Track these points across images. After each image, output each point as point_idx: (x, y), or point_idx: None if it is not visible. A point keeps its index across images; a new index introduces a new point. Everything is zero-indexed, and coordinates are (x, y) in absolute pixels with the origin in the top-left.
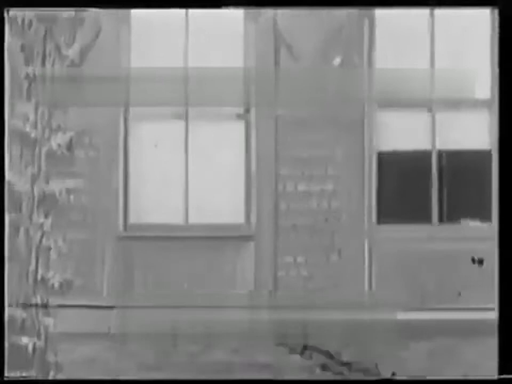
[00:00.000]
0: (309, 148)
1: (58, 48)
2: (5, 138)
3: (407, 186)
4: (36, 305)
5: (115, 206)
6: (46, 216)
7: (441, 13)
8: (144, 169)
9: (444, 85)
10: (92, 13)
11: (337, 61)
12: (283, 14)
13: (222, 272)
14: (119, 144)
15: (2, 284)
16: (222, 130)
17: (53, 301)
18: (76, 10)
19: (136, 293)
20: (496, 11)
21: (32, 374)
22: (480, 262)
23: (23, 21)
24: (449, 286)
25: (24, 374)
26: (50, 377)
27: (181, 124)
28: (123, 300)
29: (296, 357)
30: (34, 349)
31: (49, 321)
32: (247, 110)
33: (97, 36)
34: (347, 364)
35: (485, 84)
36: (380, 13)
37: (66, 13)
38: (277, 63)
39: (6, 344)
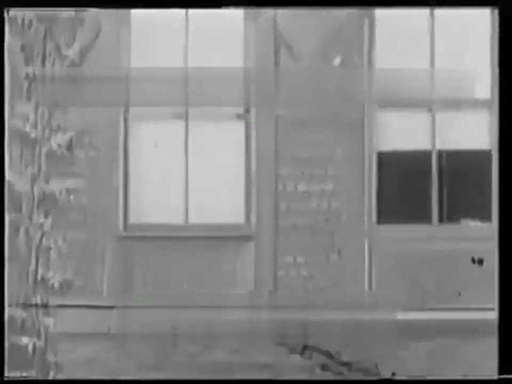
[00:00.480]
0: (309, 148)
1: (58, 48)
2: (5, 138)
3: (407, 186)
4: (36, 305)
5: (115, 206)
6: (46, 216)
7: (441, 13)
8: (144, 169)
9: (444, 85)
10: (92, 13)
11: (337, 61)
12: (283, 14)
13: (222, 272)
14: (119, 144)
15: (2, 284)
16: (222, 130)
17: (53, 301)
18: (76, 10)
19: (136, 293)
20: (496, 11)
21: (32, 374)
22: (480, 262)
23: (23, 21)
24: (449, 286)
25: (24, 374)
26: (50, 377)
27: (181, 124)
28: (123, 299)
29: (296, 357)
30: (34, 349)
31: (49, 321)
32: (247, 110)
33: (97, 36)
34: (347, 364)
35: (485, 84)
36: (380, 13)
37: (66, 13)
38: (277, 63)
39: (6, 344)
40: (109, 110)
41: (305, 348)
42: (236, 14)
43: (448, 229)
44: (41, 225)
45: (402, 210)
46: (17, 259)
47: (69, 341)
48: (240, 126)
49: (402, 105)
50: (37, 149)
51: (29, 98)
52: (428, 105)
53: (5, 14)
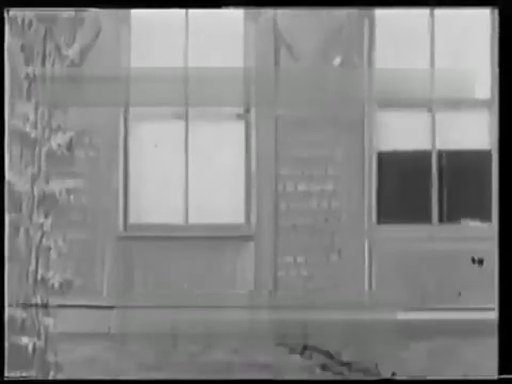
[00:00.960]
0: (309, 148)
1: (58, 48)
2: (5, 138)
3: (407, 186)
4: (36, 305)
5: (115, 206)
6: (46, 216)
7: (441, 13)
8: (144, 169)
9: (444, 85)
10: (92, 13)
11: (337, 61)
12: (283, 14)
13: (222, 272)
14: (119, 144)
15: (2, 284)
16: (222, 130)
17: (53, 301)
18: (76, 10)
19: (136, 293)
20: (496, 11)
21: (32, 374)
22: (480, 262)
23: (23, 21)
24: (449, 286)
25: (24, 374)
26: (50, 377)
27: (181, 124)
28: (123, 299)
29: (296, 357)
30: (34, 349)
31: (49, 321)
32: (247, 110)
33: (97, 36)
34: (347, 364)
35: (485, 84)
36: (380, 13)
37: (66, 13)
38: (277, 63)
39: (6, 344)
40: (109, 110)
41: (305, 347)
42: (236, 14)
43: (448, 229)
44: (41, 225)
45: (402, 210)
46: (17, 259)
47: (69, 341)
48: (240, 126)
49: (402, 105)
50: (37, 149)
51: (29, 98)
52: (428, 105)
53: (5, 14)
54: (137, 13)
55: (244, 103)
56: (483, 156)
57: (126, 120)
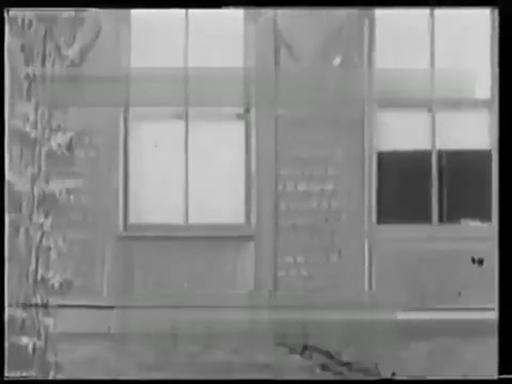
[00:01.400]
0: (309, 148)
1: (58, 48)
2: (5, 138)
3: (407, 186)
4: (36, 305)
5: (115, 206)
6: (46, 216)
7: (441, 13)
8: (144, 169)
9: (444, 85)
10: (92, 13)
11: (337, 61)
12: (283, 14)
13: (222, 272)
14: (119, 144)
15: (2, 284)
16: (222, 130)
17: (53, 301)
18: (76, 10)
19: (136, 293)
20: (496, 11)
21: (32, 374)
22: (480, 262)
23: (23, 21)
24: (449, 286)
25: (24, 374)
26: (50, 377)
27: (181, 123)
28: (123, 299)
29: (296, 357)
30: (34, 349)
31: (49, 321)
32: (247, 110)
33: (97, 36)
34: (347, 364)
35: (485, 84)
36: (380, 13)
37: (66, 13)
38: (277, 63)
39: (6, 344)
40: (109, 110)
41: (305, 347)
42: (236, 14)
43: (448, 229)
44: (41, 225)
45: (402, 210)
46: (17, 259)
47: (69, 341)
48: (240, 126)
49: (402, 105)
50: (37, 149)
51: (29, 98)
52: (428, 105)
53: (5, 14)
54: (137, 13)
55: (244, 103)
56: (483, 155)
57: (126, 120)
